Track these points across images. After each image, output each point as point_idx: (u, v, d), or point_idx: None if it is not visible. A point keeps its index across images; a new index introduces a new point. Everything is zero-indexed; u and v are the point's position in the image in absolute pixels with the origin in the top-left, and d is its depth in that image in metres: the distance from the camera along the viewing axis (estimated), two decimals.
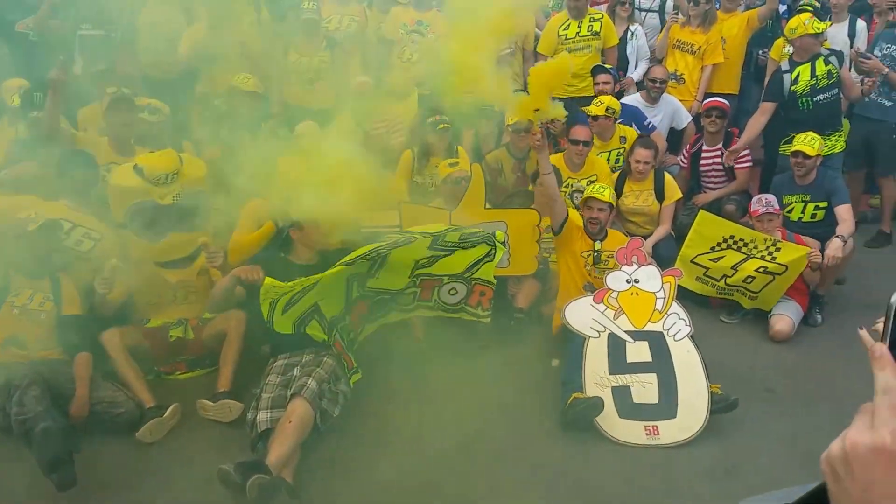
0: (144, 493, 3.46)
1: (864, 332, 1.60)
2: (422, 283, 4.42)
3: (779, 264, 4.78)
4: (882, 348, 0.77)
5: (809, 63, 5.55)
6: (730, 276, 4.95)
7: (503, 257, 4.67)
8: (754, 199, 5.09)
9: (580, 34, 6.24)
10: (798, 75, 5.57)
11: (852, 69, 6.16)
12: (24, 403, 3.46)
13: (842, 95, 5.76)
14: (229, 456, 3.43)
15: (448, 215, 4.84)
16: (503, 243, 4.38)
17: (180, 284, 4.43)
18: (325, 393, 3.75)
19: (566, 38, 6.29)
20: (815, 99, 5.56)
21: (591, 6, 6.49)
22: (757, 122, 5.76)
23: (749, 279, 4.88)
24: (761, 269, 4.82)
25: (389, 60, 6.28)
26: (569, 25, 6.28)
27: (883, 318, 1.42)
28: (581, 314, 4.35)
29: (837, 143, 5.73)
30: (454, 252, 4.32)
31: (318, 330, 3.93)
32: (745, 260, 4.88)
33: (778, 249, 4.79)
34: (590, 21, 6.29)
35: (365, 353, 4.29)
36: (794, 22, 5.55)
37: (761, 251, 4.83)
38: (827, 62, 5.56)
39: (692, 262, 5.02)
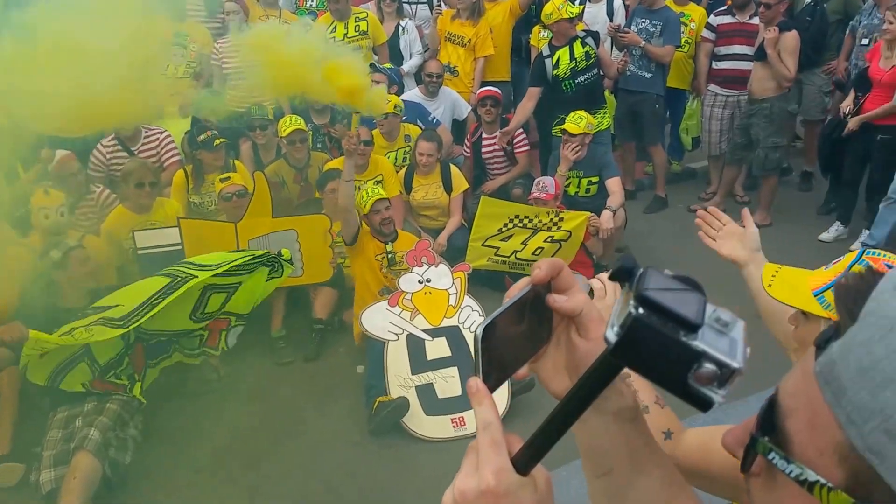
0: None
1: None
2: (208, 324, 4.31)
3: (564, 231, 5.13)
4: (477, 382, 0.74)
5: (567, 47, 5.93)
6: (520, 251, 5.26)
7: (296, 266, 4.69)
8: (534, 184, 5.43)
9: (348, 35, 6.33)
10: (558, 59, 5.95)
11: (614, 46, 6.70)
12: None
13: (602, 74, 6.22)
14: None
15: (234, 227, 4.78)
16: (290, 261, 4.36)
17: None
18: (111, 441, 3.61)
19: (334, 41, 6.36)
20: (576, 81, 5.96)
21: (355, 6, 6.58)
22: (525, 107, 6.11)
23: (538, 250, 5.20)
24: (548, 240, 5.17)
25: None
26: (335, 28, 6.35)
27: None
28: (378, 319, 4.46)
29: (604, 120, 6.19)
30: (237, 289, 4.25)
31: (81, 377, 3.77)
32: (533, 234, 5.21)
33: (561, 219, 5.15)
34: (355, 21, 6.39)
35: (155, 386, 4.21)
36: (548, 7, 5.88)
37: (546, 223, 5.16)
38: (584, 44, 5.95)
39: (483, 245, 5.28)
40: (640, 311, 0.61)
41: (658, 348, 0.62)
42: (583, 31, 6.11)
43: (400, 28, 6.76)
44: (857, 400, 0.57)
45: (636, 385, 1.36)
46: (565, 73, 5.95)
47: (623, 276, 0.67)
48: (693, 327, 0.61)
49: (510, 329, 0.76)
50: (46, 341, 3.52)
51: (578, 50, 5.95)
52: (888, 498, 0.57)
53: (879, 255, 1.61)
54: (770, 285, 1.72)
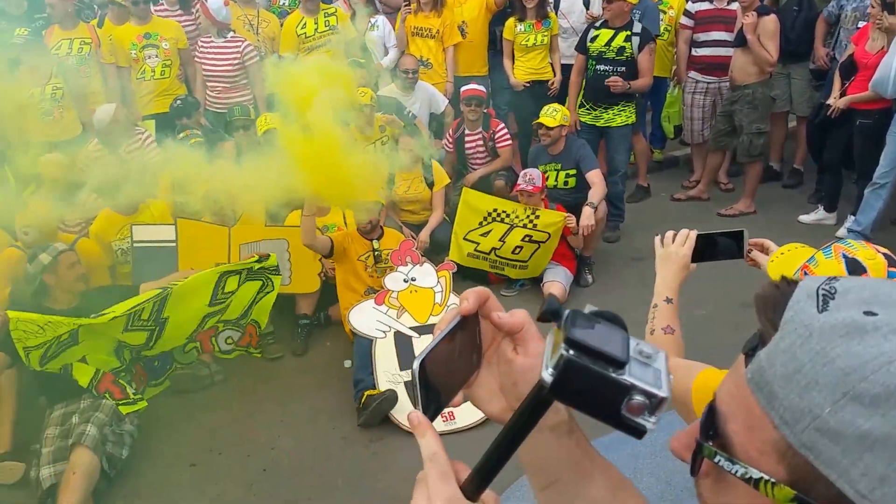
0: None
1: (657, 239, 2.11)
2: (199, 335, 4.64)
3: (540, 231, 5.38)
4: (418, 415, 0.77)
5: (613, 31, 6.12)
6: (499, 249, 5.51)
7: (284, 275, 4.95)
8: (520, 176, 5.63)
9: (318, 30, 6.54)
10: (596, 37, 6.15)
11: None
12: None
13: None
14: None
15: (227, 232, 5.02)
16: (276, 269, 4.67)
17: None
18: (108, 437, 3.86)
19: (305, 37, 6.58)
20: (597, 67, 6.18)
21: (325, 1, 6.79)
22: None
23: (517, 249, 5.46)
24: (526, 238, 5.40)
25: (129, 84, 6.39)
26: (305, 24, 6.58)
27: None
28: (365, 317, 4.70)
29: (618, 117, 6.29)
30: (231, 301, 4.57)
31: (86, 374, 4.05)
32: (509, 230, 5.44)
33: (537, 217, 5.40)
34: (325, 17, 6.60)
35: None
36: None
37: (522, 220, 5.41)
38: (628, 40, 6.08)
39: (465, 239, 5.54)
40: (571, 352, 0.67)
41: (590, 385, 0.67)
42: (638, 30, 6.16)
43: (370, 24, 6.94)
44: (788, 402, 0.63)
45: None
46: (592, 53, 6.16)
47: (551, 317, 0.73)
48: (620, 364, 0.67)
49: (444, 359, 0.81)
50: (27, 321, 3.78)
51: (618, 40, 6.08)
52: (826, 490, 0.62)
53: (849, 244, 1.84)
54: (772, 261, 1.97)
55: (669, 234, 2.05)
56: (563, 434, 0.89)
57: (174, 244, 4.93)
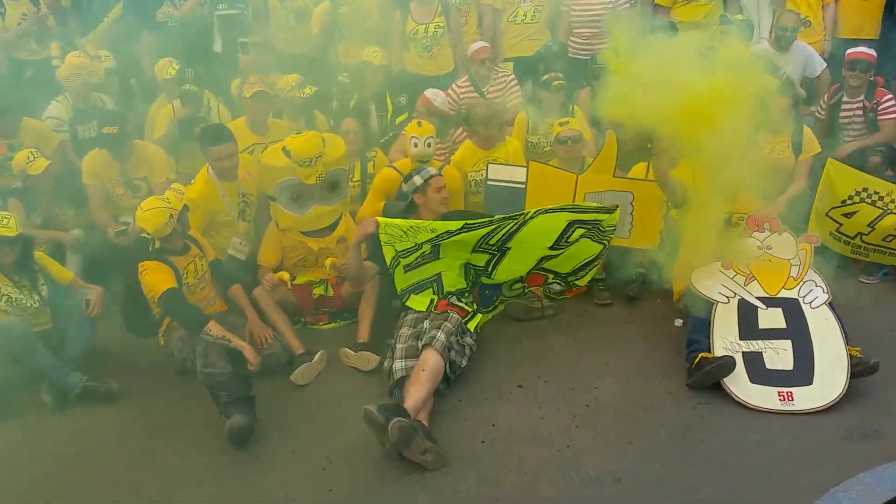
0: (298, 429, 4.10)
1: None
2: (528, 277, 4.93)
3: None
4: None
5: None
6: (866, 234, 4.99)
7: (624, 229, 5.01)
8: None
9: None
10: None
11: None
12: (207, 356, 4.13)
13: None
14: (369, 399, 3.98)
15: (574, 178, 5.15)
16: (613, 230, 4.77)
17: (321, 251, 5.12)
18: (452, 345, 4.26)
19: None
20: None
21: None
22: None
23: (889, 237, 4.90)
24: None
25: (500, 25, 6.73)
26: None
27: None
28: (709, 279, 4.54)
29: None
30: (567, 250, 4.78)
31: (420, 303, 4.54)
32: (882, 216, 4.88)
33: None
34: None
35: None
36: None
37: None
38: None
39: (827, 215, 5.08)
40: None
41: None
42: None
43: None
44: None
45: None
46: None
47: None
48: None
49: None
50: (393, 226, 4.34)
51: None
52: None
53: None
54: None
55: None
56: None
57: (523, 186, 5.19)
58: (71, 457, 4.02)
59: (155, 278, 4.29)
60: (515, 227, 4.53)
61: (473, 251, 4.63)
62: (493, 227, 4.48)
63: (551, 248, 4.74)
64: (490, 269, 4.77)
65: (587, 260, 4.88)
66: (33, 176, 5.21)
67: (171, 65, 6.12)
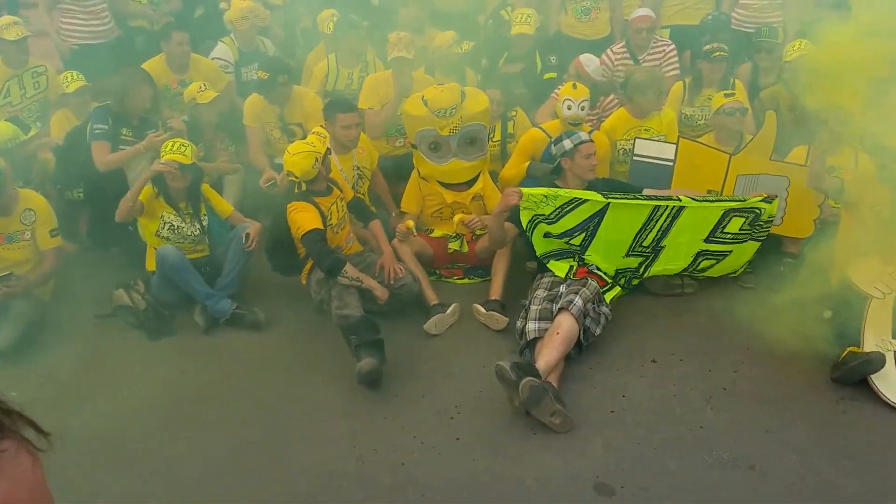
0: (429, 377, 4.25)
1: None
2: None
3: None
4: None
5: None
6: None
7: (777, 215, 4.85)
8: None
9: None
10: None
11: None
12: (342, 297, 4.32)
13: None
14: (498, 356, 4.07)
15: (727, 159, 4.97)
16: (770, 222, 4.69)
17: (455, 204, 5.21)
18: (588, 312, 4.26)
19: None
20: None
21: None
22: None
23: None
24: None
25: None
26: None
27: None
28: (867, 272, 4.33)
29: None
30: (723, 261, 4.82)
31: (560, 269, 4.55)
32: None
33: None
34: None
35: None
36: None
37: None
38: None
39: None
40: None
41: None
42: None
43: None
44: None
45: None
46: None
47: None
48: None
49: None
50: (533, 195, 4.40)
51: None
52: None
53: None
54: None
55: None
56: None
57: (671, 164, 5.03)
58: (218, 381, 4.31)
59: (303, 217, 4.48)
60: (668, 222, 4.49)
61: (627, 255, 4.65)
62: (637, 203, 4.45)
63: (706, 240, 4.68)
64: (642, 270, 4.76)
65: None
66: (201, 105, 5.53)
67: (332, 18, 6.30)
